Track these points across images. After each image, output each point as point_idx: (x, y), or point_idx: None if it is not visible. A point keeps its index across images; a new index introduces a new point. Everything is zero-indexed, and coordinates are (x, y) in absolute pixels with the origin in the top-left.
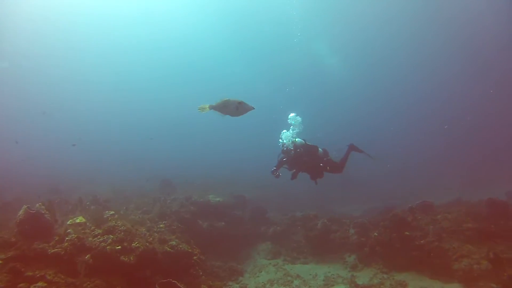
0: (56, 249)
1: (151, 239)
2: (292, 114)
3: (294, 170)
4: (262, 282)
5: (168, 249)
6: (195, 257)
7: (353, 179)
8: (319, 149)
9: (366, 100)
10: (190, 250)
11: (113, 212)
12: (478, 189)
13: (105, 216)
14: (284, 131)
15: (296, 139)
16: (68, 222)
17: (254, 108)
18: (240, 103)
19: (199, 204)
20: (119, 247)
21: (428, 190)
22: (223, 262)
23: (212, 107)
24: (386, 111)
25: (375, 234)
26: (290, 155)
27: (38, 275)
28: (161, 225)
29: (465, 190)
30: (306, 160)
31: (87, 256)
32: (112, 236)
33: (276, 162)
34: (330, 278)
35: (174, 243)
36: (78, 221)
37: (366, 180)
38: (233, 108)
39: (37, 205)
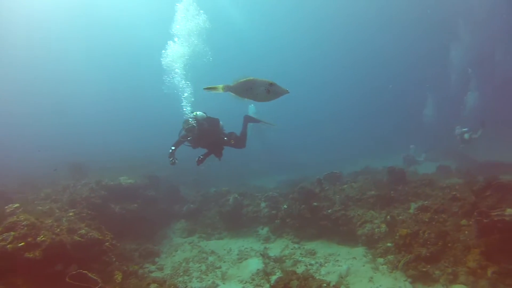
0: None
1: (58, 230)
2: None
3: (202, 156)
4: (178, 261)
5: (78, 238)
6: (107, 243)
7: (269, 151)
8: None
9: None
10: (101, 237)
11: (18, 205)
12: (385, 157)
13: (8, 210)
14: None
15: (197, 113)
16: None
17: (288, 92)
18: (272, 84)
19: (110, 187)
20: (23, 243)
21: (340, 161)
22: (138, 245)
23: (228, 89)
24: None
25: (285, 206)
26: (194, 132)
27: None
28: (70, 214)
29: (374, 159)
30: (210, 135)
31: None
32: (13, 233)
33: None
34: (244, 251)
35: (83, 231)
36: None
37: (281, 152)
38: (261, 91)
39: None
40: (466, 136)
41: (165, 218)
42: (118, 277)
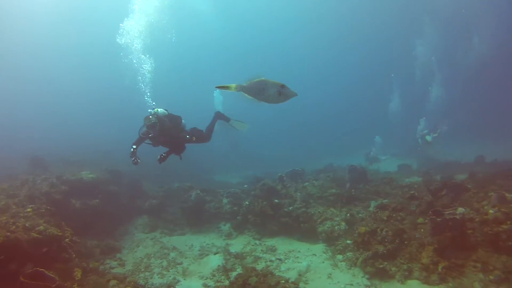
0: None
1: (14, 227)
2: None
3: (164, 154)
4: (140, 257)
5: (35, 235)
6: (66, 240)
7: (234, 147)
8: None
9: None
10: (60, 234)
11: None
12: (350, 155)
13: None
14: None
15: (158, 109)
16: None
17: (296, 95)
18: (283, 86)
19: (72, 182)
20: None
21: (306, 158)
22: (100, 241)
23: (240, 88)
24: None
25: (246, 203)
26: (155, 129)
27: None
28: (28, 209)
29: (337, 157)
30: (172, 133)
31: None
32: None
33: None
34: (205, 248)
35: (42, 228)
36: None
37: (248, 148)
38: (273, 92)
39: None
40: (427, 138)
41: (127, 214)
42: (78, 274)
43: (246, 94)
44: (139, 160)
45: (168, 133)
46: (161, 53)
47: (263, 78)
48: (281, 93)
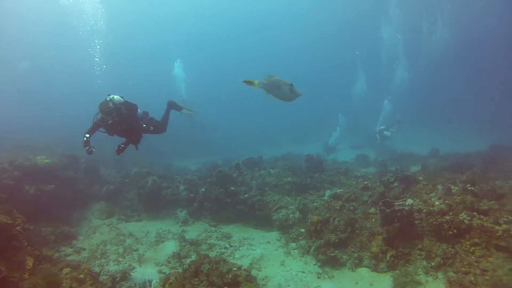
0: None
1: None
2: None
3: (122, 145)
4: (96, 244)
5: None
6: (18, 227)
7: (198, 132)
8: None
9: None
10: (10, 221)
11: None
12: (309, 144)
13: None
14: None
15: (114, 96)
16: None
17: (301, 94)
18: (292, 85)
19: (25, 167)
20: None
21: (266, 146)
22: (55, 228)
23: (262, 85)
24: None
25: (203, 190)
26: (112, 116)
27: None
28: None
29: (299, 145)
30: (129, 121)
31: None
32: None
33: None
34: (161, 234)
35: None
36: None
37: (211, 134)
38: (287, 90)
39: None
40: (385, 133)
41: (84, 200)
42: (30, 263)
43: (265, 91)
44: (93, 150)
45: (124, 121)
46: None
47: (276, 77)
48: (292, 91)
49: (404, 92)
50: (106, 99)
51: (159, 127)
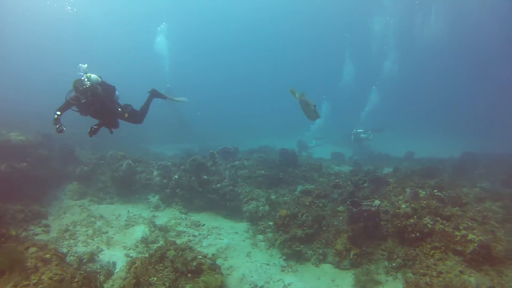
0: None
1: None
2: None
3: (95, 126)
4: (66, 224)
5: None
6: None
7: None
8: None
9: None
10: None
11: None
12: (288, 137)
13: None
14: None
15: (91, 75)
16: None
17: (319, 118)
18: (315, 106)
19: None
20: None
21: (246, 137)
22: (25, 206)
23: (299, 98)
24: None
25: (176, 176)
26: (86, 95)
27: None
28: None
29: (277, 138)
30: (103, 103)
31: None
32: None
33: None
34: (132, 218)
35: None
36: None
37: (192, 122)
38: (312, 109)
39: None
40: (362, 135)
41: (57, 179)
42: None
43: (300, 105)
44: (64, 128)
45: (98, 102)
46: None
47: (306, 98)
48: (314, 111)
49: (392, 82)
50: (81, 78)
51: (136, 116)
